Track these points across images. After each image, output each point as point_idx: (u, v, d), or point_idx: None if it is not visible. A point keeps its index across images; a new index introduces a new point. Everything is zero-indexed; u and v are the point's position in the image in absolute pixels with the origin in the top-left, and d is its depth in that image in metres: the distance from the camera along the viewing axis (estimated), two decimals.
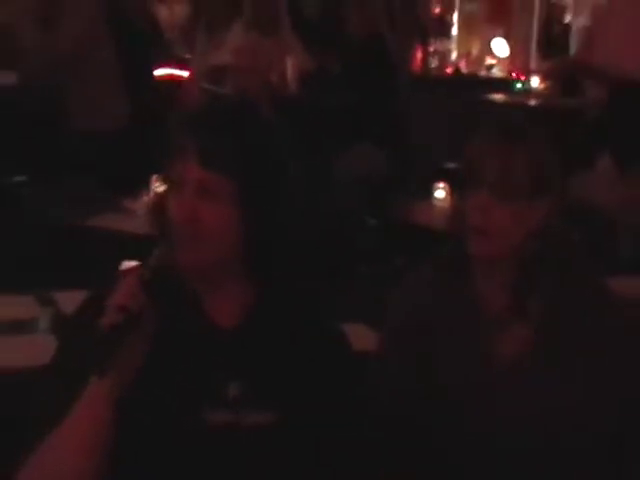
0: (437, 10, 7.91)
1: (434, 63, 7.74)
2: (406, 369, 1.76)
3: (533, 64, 7.69)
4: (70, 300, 1.61)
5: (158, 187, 2.89)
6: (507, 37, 7.77)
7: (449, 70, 7.81)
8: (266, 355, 1.54)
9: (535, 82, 7.24)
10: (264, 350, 1.54)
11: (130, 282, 1.44)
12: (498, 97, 6.89)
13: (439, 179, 4.16)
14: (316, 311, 1.65)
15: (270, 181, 1.54)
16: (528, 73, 7.48)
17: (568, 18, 7.76)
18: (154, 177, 3.18)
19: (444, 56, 7.84)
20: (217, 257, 1.52)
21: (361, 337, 2.40)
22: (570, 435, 1.66)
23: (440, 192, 4.11)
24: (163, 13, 6.84)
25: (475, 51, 7.95)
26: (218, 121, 1.59)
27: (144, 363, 1.45)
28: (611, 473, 1.70)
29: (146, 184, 3.24)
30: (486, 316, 1.74)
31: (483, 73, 7.79)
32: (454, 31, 7.97)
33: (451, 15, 7.97)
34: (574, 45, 7.42)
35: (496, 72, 7.74)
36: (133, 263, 1.62)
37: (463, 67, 7.88)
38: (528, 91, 7.15)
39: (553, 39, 7.59)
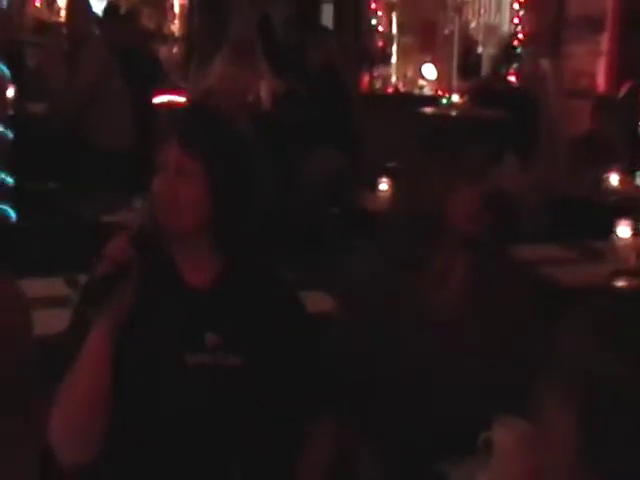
0: (380, 43, 7.88)
1: (378, 84, 7.72)
2: (363, 323, 1.72)
3: (454, 84, 7.70)
4: None
5: None
6: (434, 63, 7.77)
7: (390, 90, 7.79)
8: (236, 311, 1.52)
9: (456, 98, 7.27)
10: (234, 307, 1.52)
11: (120, 239, 1.41)
12: (428, 110, 6.89)
13: (382, 175, 4.17)
14: (277, 276, 1.63)
15: (235, 167, 1.51)
16: (450, 91, 7.51)
17: (480, 49, 7.79)
18: None
19: (386, 79, 7.81)
20: (190, 225, 1.49)
21: (321, 301, 2.39)
22: (494, 362, 1.65)
23: (383, 185, 4.13)
24: (163, 52, 6.79)
25: (410, 75, 7.92)
26: (197, 115, 1.59)
27: (133, 307, 1.41)
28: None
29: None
30: (428, 277, 1.72)
31: (416, 92, 7.76)
32: (393, 59, 7.93)
33: (390, 47, 7.93)
34: (484, 69, 7.48)
35: (426, 91, 7.73)
36: None
37: (401, 87, 7.85)
38: (451, 105, 7.17)
39: (469, 65, 7.63)
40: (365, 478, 1.66)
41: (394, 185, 1.91)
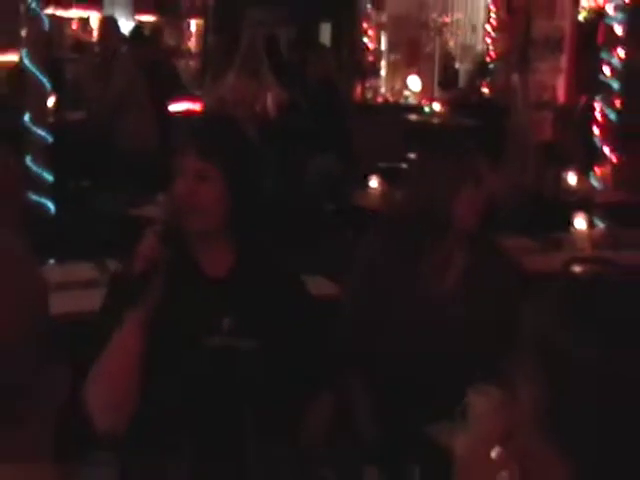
0: (370, 58, 7.84)
1: (369, 95, 7.70)
2: (371, 305, 1.71)
3: (436, 95, 7.67)
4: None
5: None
6: (418, 76, 7.74)
7: (380, 99, 7.76)
8: (247, 297, 1.49)
9: (437, 107, 7.23)
10: (246, 293, 1.49)
11: (150, 238, 1.38)
12: (413, 117, 6.86)
13: (373, 174, 4.14)
14: (283, 264, 1.59)
15: (247, 171, 1.49)
16: (432, 101, 7.47)
17: (457, 65, 7.75)
18: None
19: (376, 90, 7.79)
20: (210, 224, 1.46)
21: (321, 285, 2.38)
22: (483, 336, 1.65)
23: (374, 182, 4.09)
24: (181, 65, 6.78)
25: (397, 86, 7.90)
26: (212, 125, 1.56)
27: (162, 296, 1.38)
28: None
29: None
30: (427, 265, 1.70)
31: (402, 101, 7.74)
32: (382, 73, 7.90)
33: (380, 62, 7.89)
34: (461, 82, 7.45)
35: (411, 100, 7.70)
36: None
37: (389, 97, 7.83)
38: (432, 113, 7.13)
39: (448, 78, 7.60)
40: (361, 436, 1.66)
41: (402, 185, 1.88)
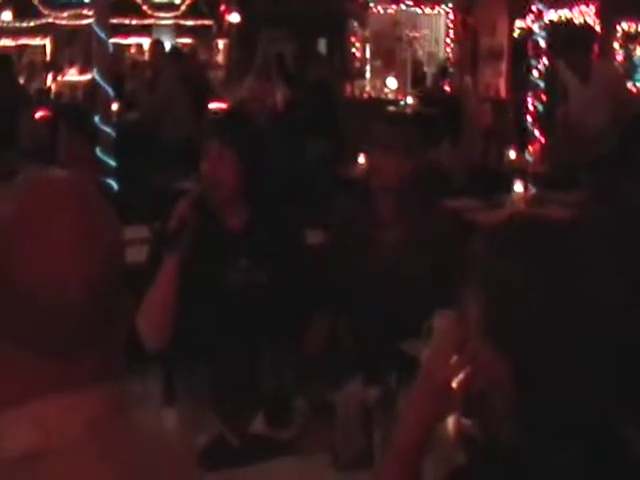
0: (357, 64, 7.64)
1: (357, 92, 7.54)
2: (340, 253, 1.69)
3: (408, 91, 7.55)
4: None
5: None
6: (396, 77, 7.59)
7: (365, 95, 7.61)
8: (259, 243, 1.50)
9: (410, 100, 7.11)
10: (257, 241, 1.50)
11: (185, 202, 1.40)
12: (391, 109, 6.72)
13: (360, 153, 4.07)
14: (285, 219, 1.60)
15: (254, 154, 1.49)
16: (406, 96, 7.35)
17: (425, 69, 7.60)
18: None
19: (362, 88, 7.63)
20: (226, 192, 1.47)
21: (319, 236, 2.33)
22: (418, 278, 1.62)
23: (361, 159, 4.03)
24: (212, 75, 6.72)
25: (379, 85, 7.76)
26: (228, 120, 1.60)
27: (193, 245, 1.40)
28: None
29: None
30: (380, 223, 1.67)
31: (383, 97, 7.60)
32: (367, 75, 7.72)
33: (365, 67, 7.71)
34: (428, 82, 7.32)
35: (390, 96, 7.56)
36: None
37: (373, 94, 7.70)
38: (406, 105, 7.02)
39: (418, 79, 7.49)
40: (348, 351, 1.65)
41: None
